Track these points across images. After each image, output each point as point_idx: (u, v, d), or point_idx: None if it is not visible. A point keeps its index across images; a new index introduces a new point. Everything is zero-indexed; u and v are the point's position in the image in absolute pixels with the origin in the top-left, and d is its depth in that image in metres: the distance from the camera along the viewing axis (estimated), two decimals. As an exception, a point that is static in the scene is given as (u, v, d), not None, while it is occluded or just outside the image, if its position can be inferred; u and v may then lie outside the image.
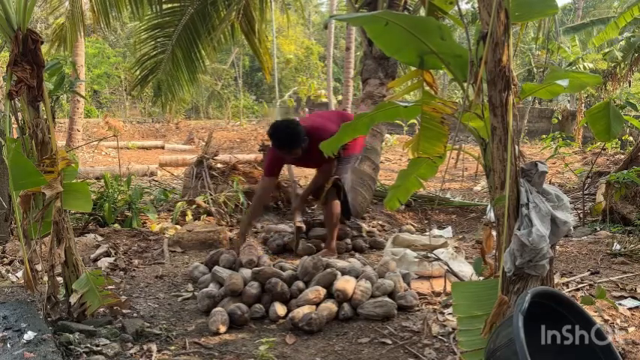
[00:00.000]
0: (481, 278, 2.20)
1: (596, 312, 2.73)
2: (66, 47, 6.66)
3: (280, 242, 4.26)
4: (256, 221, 4.76)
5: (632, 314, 2.81)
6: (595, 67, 14.72)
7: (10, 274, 3.44)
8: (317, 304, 2.89)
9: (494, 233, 2.11)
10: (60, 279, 2.75)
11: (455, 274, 3.09)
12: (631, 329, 2.61)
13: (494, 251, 2.12)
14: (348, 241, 4.28)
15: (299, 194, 4.66)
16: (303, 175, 7.88)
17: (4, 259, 3.71)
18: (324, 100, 20.70)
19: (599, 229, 4.78)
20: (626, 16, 10.38)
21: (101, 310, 2.74)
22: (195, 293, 3.21)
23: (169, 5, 6.41)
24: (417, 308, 2.99)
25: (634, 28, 11.82)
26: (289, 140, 3.82)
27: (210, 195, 5.14)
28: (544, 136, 10.55)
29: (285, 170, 4.87)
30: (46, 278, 2.62)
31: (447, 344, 2.56)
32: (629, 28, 11.55)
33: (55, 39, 6.59)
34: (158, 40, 6.51)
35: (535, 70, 18.34)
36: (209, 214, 5.01)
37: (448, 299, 2.93)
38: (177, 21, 6.35)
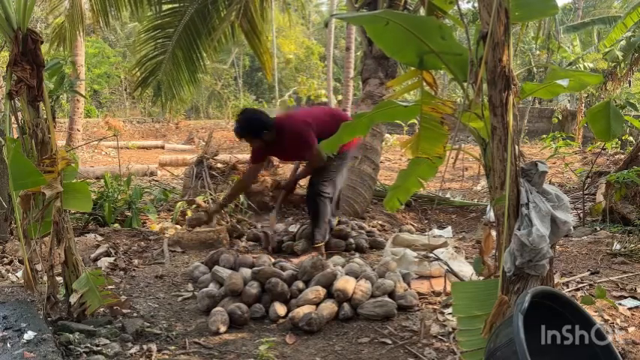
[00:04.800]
0: (481, 278, 2.20)
1: (596, 312, 2.73)
2: (65, 47, 6.65)
3: (279, 240, 4.28)
4: (229, 204, 4.60)
5: (632, 314, 2.81)
6: (595, 67, 14.72)
7: (10, 274, 3.44)
8: (317, 304, 2.89)
9: (493, 233, 2.11)
10: (60, 279, 2.75)
11: (455, 274, 3.09)
12: (631, 329, 2.61)
13: (494, 251, 2.12)
14: (351, 240, 4.27)
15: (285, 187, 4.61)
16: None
17: (4, 259, 3.71)
18: (324, 99, 20.71)
19: (599, 229, 4.78)
20: (632, 16, 10.37)
21: (101, 310, 2.74)
22: (195, 293, 3.20)
23: (169, 6, 6.42)
24: (417, 308, 2.99)
25: (634, 27, 11.81)
26: (246, 129, 3.91)
27: (210, 195, 5.14)
28: (544, 136, 10.55)
29: (285, 171, 4.86)
30: (45, 278, 2.62)
31: (447, 344, 2.55)
32: (630, 28, 11.54)
33: (54, 38, 6.59)
34: (158, 40, 6.52)
35: (535, 70, 18.34)
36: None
37: (448, 299, 2.93)
38: (177, 21, 6.35)
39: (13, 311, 2.53)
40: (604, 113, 3.68)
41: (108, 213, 4.76)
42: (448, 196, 6.74)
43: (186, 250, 4.16)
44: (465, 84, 2.14)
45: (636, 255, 3.82)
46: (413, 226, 5.20)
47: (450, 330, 2.67)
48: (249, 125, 3.91)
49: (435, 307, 3.01)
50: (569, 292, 3.11)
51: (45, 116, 2.54)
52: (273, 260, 3.48)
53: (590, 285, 3.23)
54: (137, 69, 6.79)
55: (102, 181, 5.24)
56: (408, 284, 3.23)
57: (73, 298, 2.58)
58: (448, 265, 3.17)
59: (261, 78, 25.02)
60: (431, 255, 3.43)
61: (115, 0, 5.98)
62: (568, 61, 16.90)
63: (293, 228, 4.55)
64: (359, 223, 4.75)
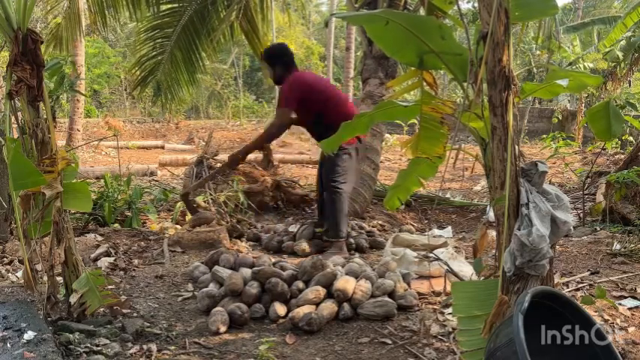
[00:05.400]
0: (481, 278, 2.20)
1: (596, 312, 2.73)
2: (62, 48, 6.64)
3: (279, 240, 4.29)
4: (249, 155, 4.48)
5: (632, 314, 2.81)
6: (595, 67, 14.72)
7: (10, 274, 3.44)
8: (317, 304, 2.89)
9: (489, 233, 2.11)
10: (60, 279, 2.75)
11: (455, 274, 3.09)
12: (631, 329, 2.61)
13: (493, 251, 2.12)
14: (351, 240, 4.28)
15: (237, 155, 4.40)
16: (303, 175, 7.88)
17: (4, 259, 3.70)
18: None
19: (599, 229, 4.78)
20: (632, 16, 10.37)
21: (101, 310, 2.74)
22: (195, 293, 3.20)
23: (168, 6, 6.42)
24: (417, 308, 2.99)
25: (634, 27, 11.82)
26: (267, 52, 4.40)
27: (210, 195, 5.14)
28: (544, 136, 10.55)
29: (285, 171, 4.85)
30: (45, 278, 2.62)
31: (447, 344, 2.56)
32: (630, 28, 11.55)
33: (51, 39, 6.57)
34: (157, 41, 6.52)
35: (535, 70, 18.35)
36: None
37: (448, 299, 2.93)
38: (176, 22, 6.35)
39: (13, 311, 2.53)
40: (604, 113, 3.69)
41: (108, 213, 4.76)
42: (448, 196, 6.74)
43: (186, 250, 4.16)
44: (465, 84, 2.14)
45: (636, 255, 3.82)
46: (413, 226, 5.20)
47: (450, 330, 2.67)
48: (271, 50, 4.41)
49: (435, 307, 3.01)
50: (569, 292, 3.11)
51: (45, 116, 2.54)
52: (273, 260, 3.49)
53: (590, 285, 3.23)
54: (136, 68, 6.79)
55: (102, 181, 5.24)
56: (408, 284, 3.23)
57: (73, 298, 2.57)
58: (448, 265, 3.17)
59: (261, 78, 25.01)
60: (431, 255, 3.43)
61: (112, 0, 5.98)
62: (568, 61, 16.91)
63: (293, 228, 4.55)
64: (359, 223, 4.75)
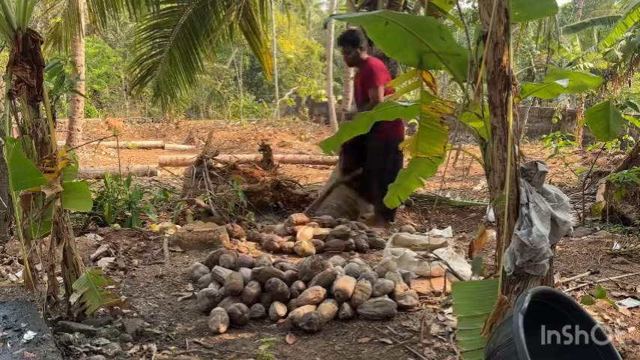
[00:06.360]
0: (481, 277, 2.20)
1: (596, 312, 2.73)
2: (61, 47, 6.63)
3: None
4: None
5: (632, 314, 2.81)
6: (595, 67, 14.72)
7: (10, 274, 3.44)
8: (317, 304, 2.89)
9: (489, 232, 2.12)
10: (60, 279, 2.75)
11: (455, 274, 3.09)
12: (631, 329, 2.61)
13: (493, 251, 2.12)
14: (351, 240, 4.27)
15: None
16: (303, 175, 7.88)
17: (4, 258, 3.70)
18: (324, 99, 20.71)
19: (599, 229, 4.78)
20: (632, 16, 10.37)
21: (101, 309, 2.74)
22: (195, 293, 3.20)
23: (167, 5, 6.41)
24: (417, 308, 2.99)
25: (634, 27, 11.81)
26: (346, 35, 4.83)
27: (210, 195, 5.14)
28: (544, 135, 10.55)
29: (285, 169, 4.87)
30: (46, 278, 2.62)
31: (447, 344, 2.56)
32: (630, 28, 11.55)
33: (50, 38, 6.57)
34: (156, 40, 6.52)
35: (535, 70, 18.35)
36: (209, 213, 5.00)
37: (448, 299, 2.93)
38: (175, 21, 6.35)
39: (13, 311, 2.53)
40: (603, 113, 3.68)
41: (108, 213, 4.76)
42: (448, 196, 6.74)
43: (186, 250, 4.16)
44: (465, 84, 2.14)
45: (636, 255, 3.82)
46: (413, 226, 5.19)
47: (450, 330, 2.67)
48: (351, 34, 4.78)
49: (435, 307, 3.01)
50: (569, 292, 3.11)
51: (45, 116, 2.54)
52: (273, 260, 3.49)
53: (590, 285, 3.23)
54: (135, 67, 6.79)
55: (102, 181, 5.24)
56: (408, 284, 3.23)
57: (73, 298, 2.58)
58: (448, 265, 3.16)
59: (261, 78, 25.00)
60: (431, 255, 3.42)
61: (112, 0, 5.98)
62: (568, 61, 16.91)
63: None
64: (359, 223, 4.75)
